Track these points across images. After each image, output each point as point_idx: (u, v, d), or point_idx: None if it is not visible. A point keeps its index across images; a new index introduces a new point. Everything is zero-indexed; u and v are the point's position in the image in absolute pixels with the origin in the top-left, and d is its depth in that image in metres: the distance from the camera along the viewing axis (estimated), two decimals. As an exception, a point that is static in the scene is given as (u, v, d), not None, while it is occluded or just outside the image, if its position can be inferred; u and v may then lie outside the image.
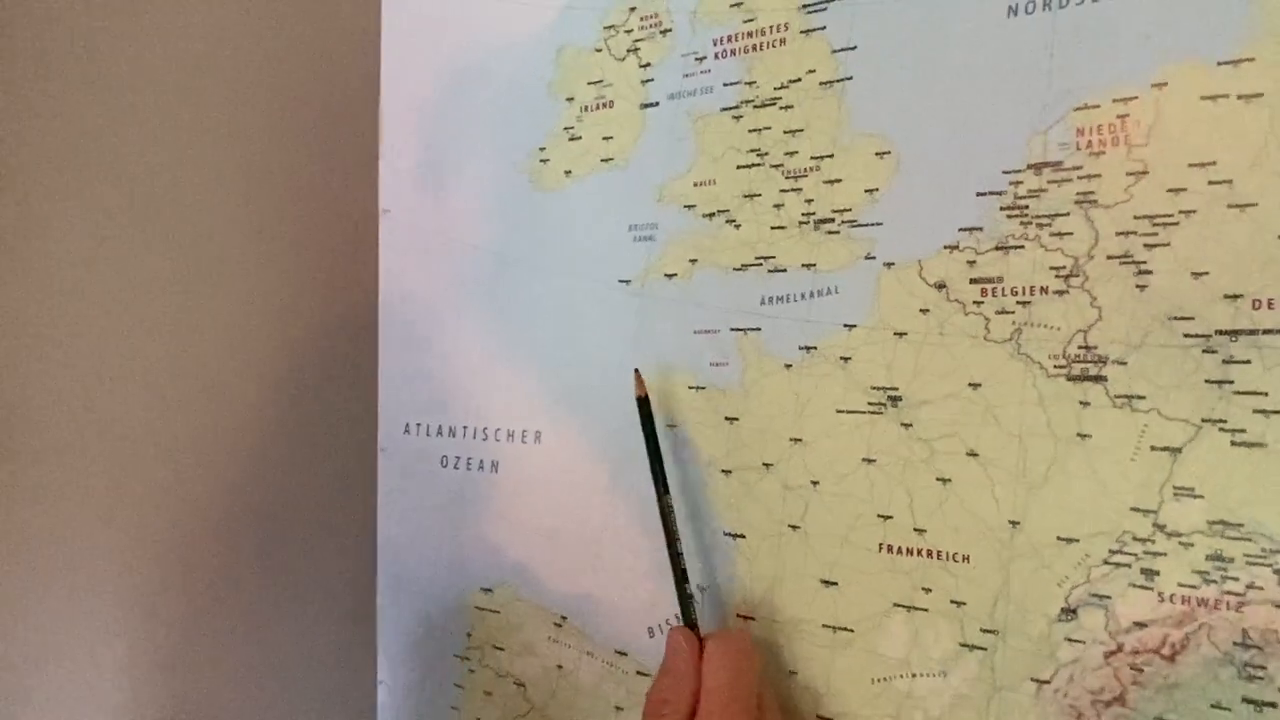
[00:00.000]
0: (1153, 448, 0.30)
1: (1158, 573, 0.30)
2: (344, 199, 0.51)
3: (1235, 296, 0.29)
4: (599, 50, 0.42)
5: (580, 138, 0.43)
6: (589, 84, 0.43)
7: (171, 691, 0.60)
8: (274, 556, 0.55)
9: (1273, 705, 0.28)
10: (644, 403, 0.39)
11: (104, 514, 0.57)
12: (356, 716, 0.52)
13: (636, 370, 0.40)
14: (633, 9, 0.41)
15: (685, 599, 0.36)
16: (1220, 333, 0.29)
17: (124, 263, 0.56)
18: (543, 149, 0.44)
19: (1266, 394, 0.28)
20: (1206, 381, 0.29)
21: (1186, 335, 0.29)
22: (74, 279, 0.57)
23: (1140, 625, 0.30)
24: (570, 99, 0.43)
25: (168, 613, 0.58)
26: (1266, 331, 0.28)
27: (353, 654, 0.51)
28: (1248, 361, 0.28)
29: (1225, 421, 0.29)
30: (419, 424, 0.49)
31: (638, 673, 0.41)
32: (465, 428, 0.47)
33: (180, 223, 0.55)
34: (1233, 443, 0.29)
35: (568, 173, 0.44)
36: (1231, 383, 0.29)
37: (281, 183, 0.54)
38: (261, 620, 0.55)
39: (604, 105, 0.42)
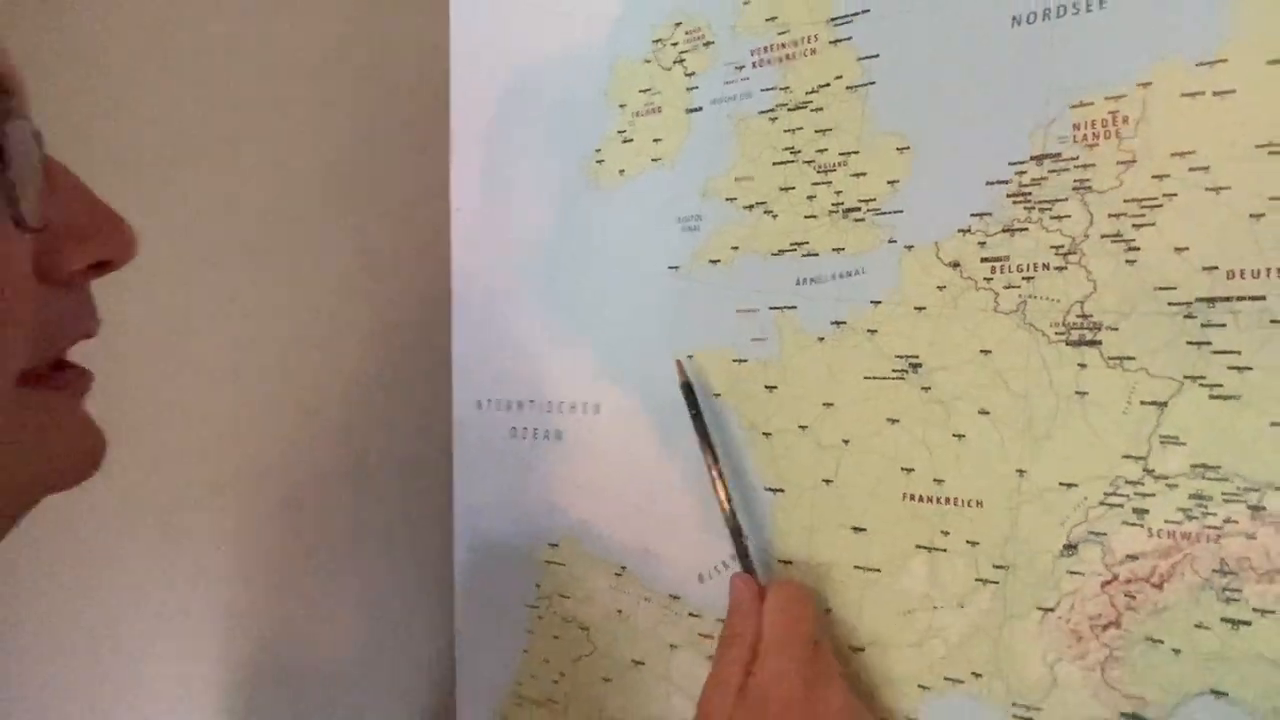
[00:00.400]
0: (1142, 402, 0.34)
1: (1147, 511, 0.34)
2: (420, 201, 0.57)
3: (1212, 268, 0.33)
4: (648, 61, 0.47)
5: (632, 140, 0.48)
6: (640, 92, 0.48)
7: (266, 639, 0.67)
8: (363, 519, 0.61)
9: (1247, 623, 0.32)
10: (687, 389, 0.44)
11: (216, 481, 0.64)
12: (435, 661, 0.58)
13: (678, 360, 0.45)
14: (678, 24, 0.46)
15: (743, 550, 0.42)
16: (1200, 300, 0.33)
17: (231, 265, 0.63)
18: (598, 151, 0.49)
19: (1240, 353, 0.32)
20: (1188, 343, 0.33)
21: (1170, 303, 0.33)
22: (188, 280, 0.63)
23: (1132, 558, 0.34)
24: (623, 105, 0.48)
25: (266, 570, 0.64)
26: (1239, 298, 0.32)
27: (433, 605, 0.57)
28: (1224, 325, 0.32)
29: (1205, 377, 0.33)
30: (490, 400, 0.54)
31: (690, 614, 0.46)
32: (531, 402, 0.52)
33: (279, 229, 0.62)
34: (1211, 396, 0.33)
35: (621, 172, 0.49)
36: (1210, 343, 0.33)
37: (365, 189, 0.60)
38: (351, 578, 0.62)
39: (653, 111, 0.47)
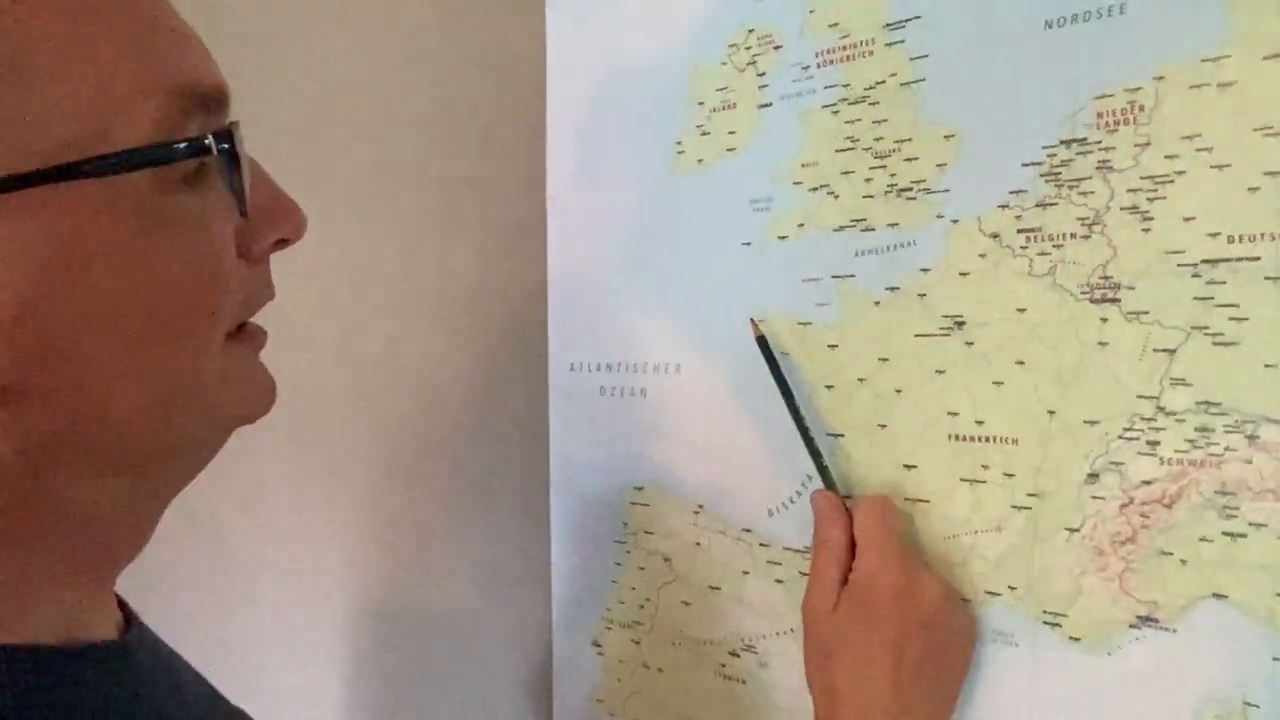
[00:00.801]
0: (1155, 350, 0.40)
1: (1159, 443, 0.40)
2: (518, 188, 0.65)
3: (1215, 234, 0.38)
4: (724, 64, 0.54)
5: (709, 133, 0.55)
6: (716, 90, 0.54)
7: (384, 572, 0.76)
8: (470, 469, 0.69)
9: (1244, 536, 0.38)
10: (762, 341, 0.51)
11: (342, 441, 0.73)
12: (534, 593, 0.66)
13: (752, 320, 0.51)
14: (751, 31, 0.53)
15: (822, 468, 0.48)
16: (1204, 261, 0.39)
17: (349, 249, 0.72)
18: (679, 143, 0.56)
19: (1238, 305, 0.38)
20: (1194, 298, 0.39)
21: (1179, 264, 0.39)
22: (316, 262, 0.72)
23: (1146, 483, 0.40)
24: (701, 103, 0.55)
25: (385, 511, 0.73)
26: (1238, 259, 0.38)
27: (532, 544, 0.65)
28: (1224, 282, 0.38)
29: (1208, 327, 0.38)
30: (582, 363, 0.62)
31: (760, 544, 0.53)
32: (618, 363, 0.60)
33: (389, 214, 0.70)
34: (1213, 343, 0.38)
35: (699, 161, 0.56)
36: (1213, 298, 0.38)
37: (468, 177, 0.69)
38: (459, 518, 0.70)
39: (728, 107, 0.54)
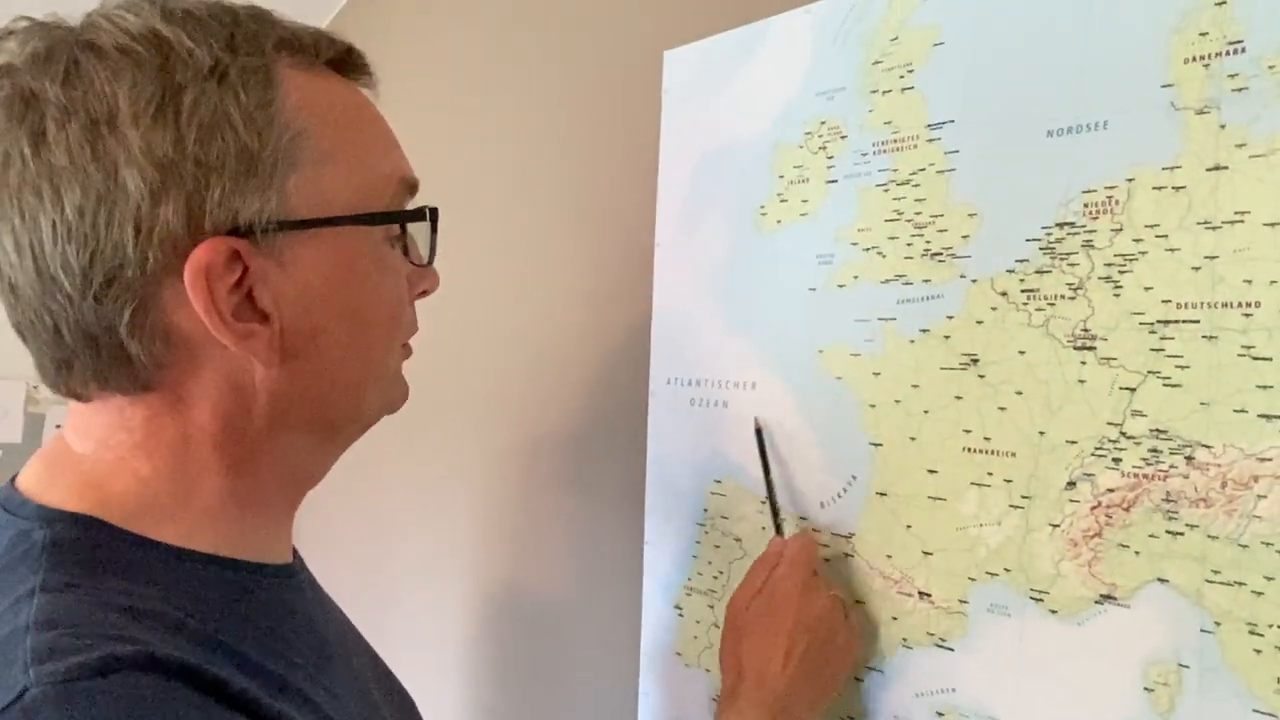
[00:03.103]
0: (1120, 388, 0.51)
1: (1121, 460, 0.51)
2: (631, 235, 0.80)
3: (1167, 301, 0.50)
4: (801, 146, 0.68)
5: (787, 200, 0.69)
6: (794, 167, 0.69)
7: (505, 557, 0.92)
8: (580, 464, 0.85)
9: (1181, 534, 0.49)
10: (759, 434, 0.65)
11: (475, 440, 0.90)
12: (629, 565, 0.80)
13: (755, 418, 0.66)
14: (823, 122, 0.67)
15: (778, 526, 0.64)
16: (1159, 321, 0.50)
17: (487, 279, 0.89)
18: (762, 207, 0.71)
19: (1182, 356, 0.49)
20: (1150, 349, 0.50)
21: (1140, 323, 0.51)
22: (461, 284, 0.90)
23: (1110, 491, 0.52)
24: (781, 176, 0.69)
25: (509, 499, 0.90)
26: (1183, 321, 0.49)
27: (628, 525, 0.80)
28: (1173, 338, 0.50)
29: (1160, 372, 0.50)
30: (676, 378, 0.77)
31: (813, 529, 0.66)
32: (705, 380, 0.74)
33: (526, 253, 0.87)
34: (1164, 385, 0.50)
35: (778, 221, 0.70)
36: (1164, 350, 0.50)
37: (594, 226, 0.85)
38: (566, 509, 0.86)
39: (802, 181, 0.68)
